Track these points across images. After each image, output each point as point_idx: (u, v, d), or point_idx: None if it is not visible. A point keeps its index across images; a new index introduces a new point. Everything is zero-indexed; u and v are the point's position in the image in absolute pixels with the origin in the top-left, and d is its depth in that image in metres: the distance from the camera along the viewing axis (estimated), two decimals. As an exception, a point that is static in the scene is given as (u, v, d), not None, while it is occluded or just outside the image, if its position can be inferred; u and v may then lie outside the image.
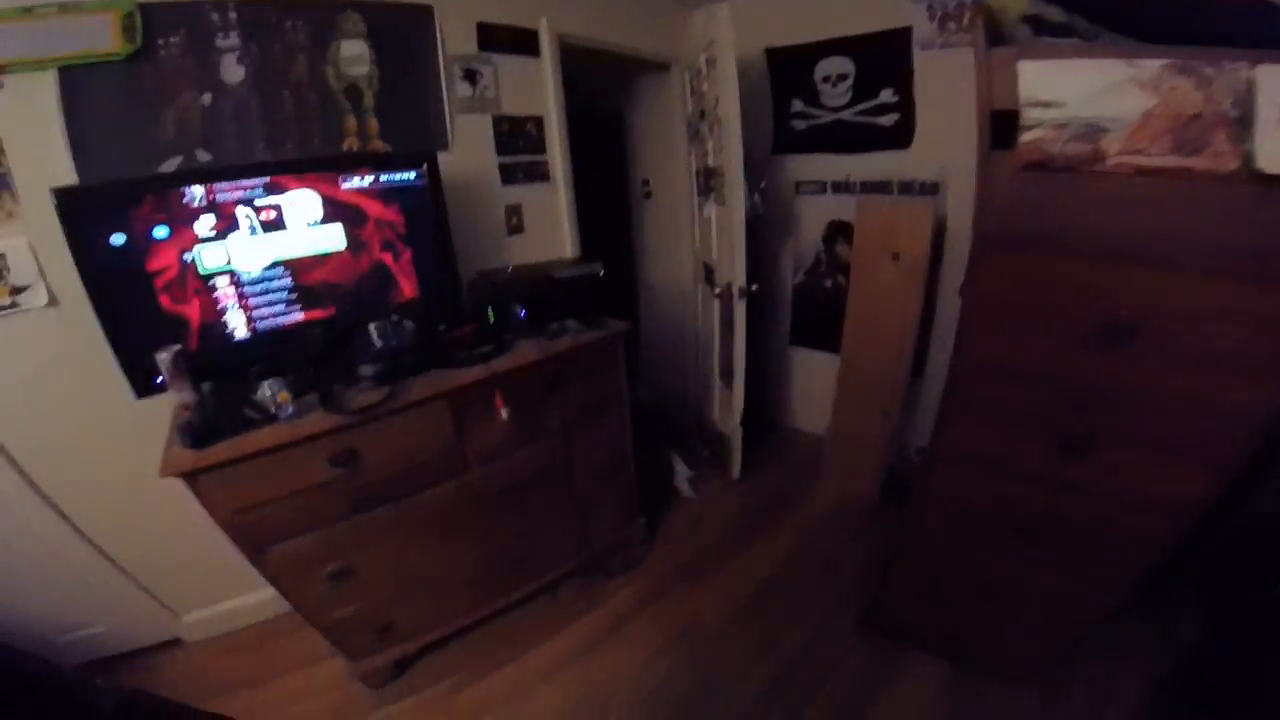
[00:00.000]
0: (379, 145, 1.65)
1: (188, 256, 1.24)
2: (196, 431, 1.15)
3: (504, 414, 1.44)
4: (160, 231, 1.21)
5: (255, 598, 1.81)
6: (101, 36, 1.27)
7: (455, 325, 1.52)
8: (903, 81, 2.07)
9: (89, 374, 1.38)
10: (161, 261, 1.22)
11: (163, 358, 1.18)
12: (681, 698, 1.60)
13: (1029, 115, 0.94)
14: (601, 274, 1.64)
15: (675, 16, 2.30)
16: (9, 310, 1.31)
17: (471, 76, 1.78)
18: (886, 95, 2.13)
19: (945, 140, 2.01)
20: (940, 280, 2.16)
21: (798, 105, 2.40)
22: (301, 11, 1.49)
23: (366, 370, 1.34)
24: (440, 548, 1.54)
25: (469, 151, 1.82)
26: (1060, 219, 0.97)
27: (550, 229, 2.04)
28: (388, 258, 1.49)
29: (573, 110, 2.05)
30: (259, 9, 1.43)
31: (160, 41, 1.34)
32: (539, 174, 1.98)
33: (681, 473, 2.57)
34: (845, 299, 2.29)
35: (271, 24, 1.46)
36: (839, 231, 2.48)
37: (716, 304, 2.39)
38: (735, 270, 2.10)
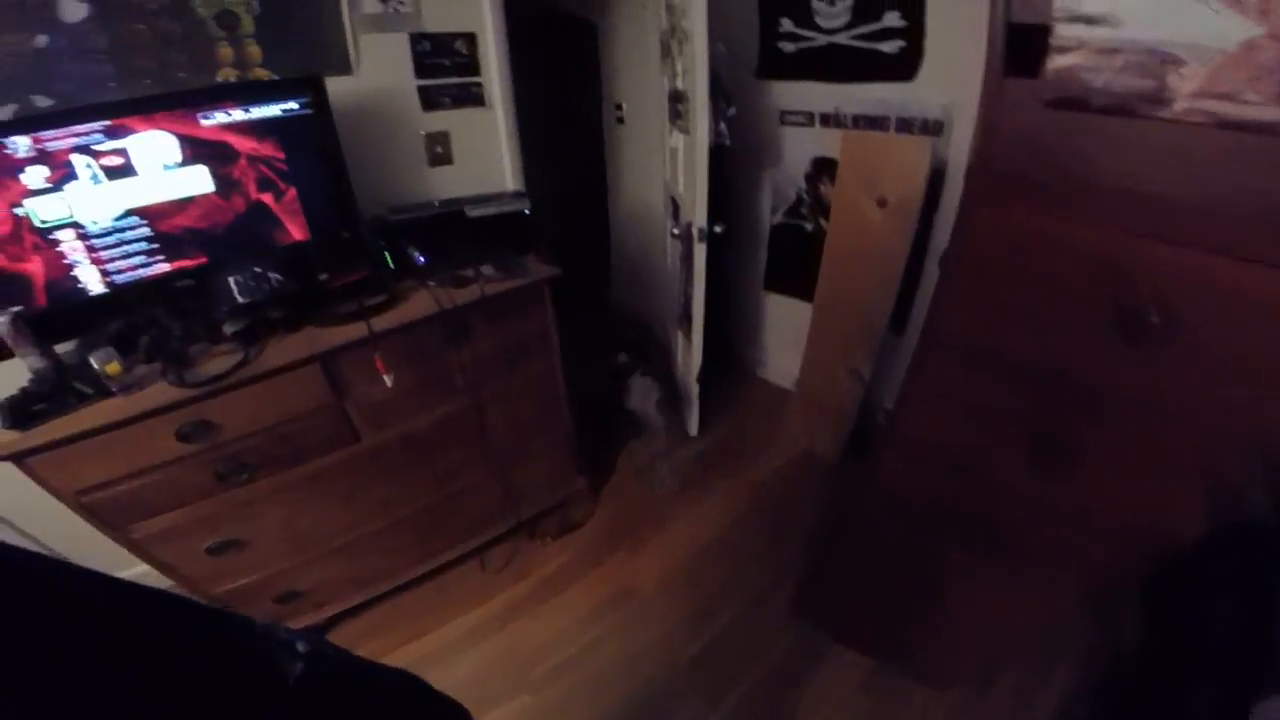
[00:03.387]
0: (261, 75, 1.37)
1: (19, 210, 1.06)
2: (19, 409, 0.98)
3: (387, 379, 1.26)
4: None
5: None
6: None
7: (343, 272, 1.30)
8: (912, 3, 1.73)
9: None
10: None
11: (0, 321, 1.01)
12: (605, 666, 1.56)
13: (1064, 32, 0.68)
14: (528, 211, 1.40)
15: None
16: None
17: (382, -11, 1.46)
18: (892, 18, 1.78)
19: (958, 75, 1.65)
20: (934, 232, 1.87)
21: (787, 24, 2.04)
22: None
23: (228, 329, 1.16)
24: (336, 515, 1.43)
25: (379, 75, 1.52)
26: (1088, 174, 0.73)
27: (486, 159, 1.75)
28: (268, 197, 1.24)
29: (534, 13, 1.71)
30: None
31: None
32: (471, 97, 1.68)
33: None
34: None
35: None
36: (824, 169, 2.17)
37: (679, 244, 2.14)
38: (696, 208, 1.84)
